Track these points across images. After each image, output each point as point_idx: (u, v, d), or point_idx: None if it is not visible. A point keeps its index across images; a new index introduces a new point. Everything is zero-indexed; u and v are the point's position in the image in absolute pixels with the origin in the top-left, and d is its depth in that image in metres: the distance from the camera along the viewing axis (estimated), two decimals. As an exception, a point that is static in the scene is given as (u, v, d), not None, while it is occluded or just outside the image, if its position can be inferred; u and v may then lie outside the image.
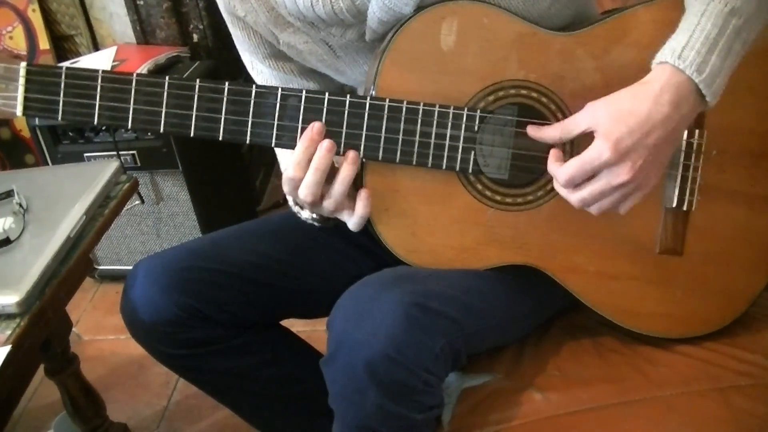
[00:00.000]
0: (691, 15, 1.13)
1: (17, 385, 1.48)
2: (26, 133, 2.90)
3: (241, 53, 1.40)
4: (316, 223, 1.38)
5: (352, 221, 1.22)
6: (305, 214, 1.38)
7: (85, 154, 2.54)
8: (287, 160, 1.27)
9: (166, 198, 2.61)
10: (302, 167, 1.17)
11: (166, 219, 2.64)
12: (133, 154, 2.50)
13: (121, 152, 2.48)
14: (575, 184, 1.14)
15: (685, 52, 1.10)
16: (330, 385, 1.18)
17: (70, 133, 2.53)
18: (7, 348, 1.24)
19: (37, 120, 2.48)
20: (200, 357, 1.40)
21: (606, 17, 1.23)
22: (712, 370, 1.29)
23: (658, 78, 1.11)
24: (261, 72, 1.39)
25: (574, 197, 1.16)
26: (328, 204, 1.20)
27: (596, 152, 1.11)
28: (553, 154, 1.18)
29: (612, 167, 1.11)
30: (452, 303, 1.20)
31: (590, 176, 1.13)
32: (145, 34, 2.81)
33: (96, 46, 2.89)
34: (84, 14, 2.84)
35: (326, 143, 1.16)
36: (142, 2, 2.75)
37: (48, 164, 2.59)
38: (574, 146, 1.20)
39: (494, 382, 1.34)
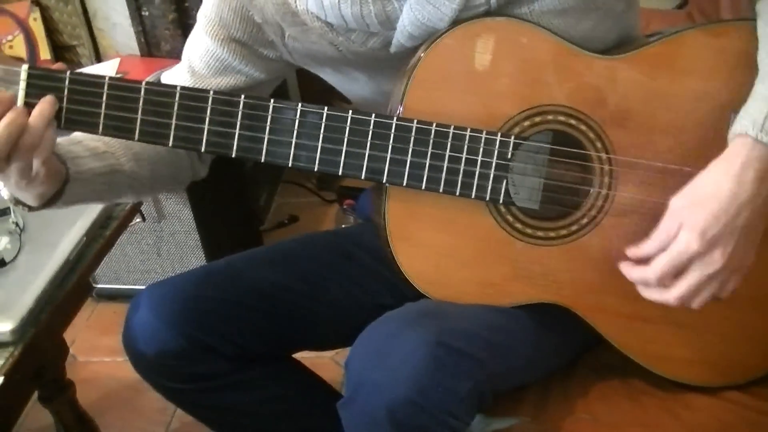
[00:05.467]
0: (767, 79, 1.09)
1: (8, 416, 1.46)
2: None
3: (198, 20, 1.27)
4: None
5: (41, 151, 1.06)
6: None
7: (87, 170, 2.48)
8: None
9: (168, 216, 2.57)
10: None
11: (167, 237, 2.60)
12: (135, 171, 2.45)
13: (123, 168, 2.43)
14: (667, 281, 1.10)
15: None
16: (347, 429, 1.13)
17: (71, 147, 2.48)
18: (-1, 380, 1.21)
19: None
20: (205, 391, 1.36)
21: (652, 41, 1.18)
22: (751, 416, 1.25)
23: (738, 153, 1.07)
24: (198, 45, 1.27)
25: (671, 296, 1.11)
26: (23, 144, 1.04)
27: (684, 245, 1.07)
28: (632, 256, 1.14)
29: (703, 257, 1.07)
30: (478, 342, 1.15)
31: (681, 270, 1.09)
32: (149, 46, 2.79)
33: (98, 57, 2.87)
34: (86, 24, 2.81)
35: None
36: (146, 13, 2.72)
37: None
38: (612, 182, 1.17)
39: (520, 425, 1.29)
